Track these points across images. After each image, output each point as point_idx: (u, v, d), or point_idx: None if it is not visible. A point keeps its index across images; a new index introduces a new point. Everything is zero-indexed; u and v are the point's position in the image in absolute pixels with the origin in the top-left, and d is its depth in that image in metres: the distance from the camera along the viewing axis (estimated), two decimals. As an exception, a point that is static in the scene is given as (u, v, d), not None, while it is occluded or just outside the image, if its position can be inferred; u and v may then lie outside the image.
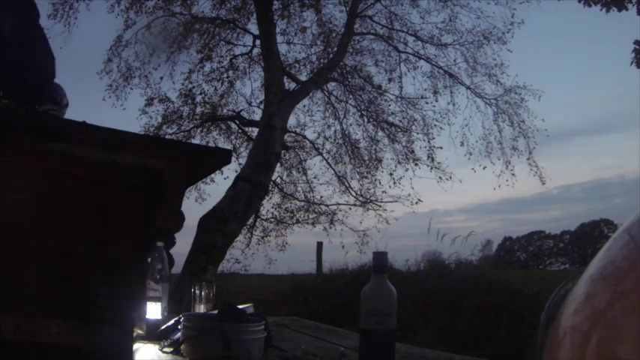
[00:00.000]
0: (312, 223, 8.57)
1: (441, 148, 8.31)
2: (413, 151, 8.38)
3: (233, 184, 5.74)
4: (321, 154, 8.48)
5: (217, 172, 6.69)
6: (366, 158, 8.58)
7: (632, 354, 0.22)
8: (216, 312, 1.39)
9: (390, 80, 8.41)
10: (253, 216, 7.55)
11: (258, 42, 7.53)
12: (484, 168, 8.20)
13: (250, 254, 8.41)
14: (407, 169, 8.29)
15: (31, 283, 1.32)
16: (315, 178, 8.54)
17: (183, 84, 7.90)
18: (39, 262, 1.34)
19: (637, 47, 5.06)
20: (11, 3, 1.76)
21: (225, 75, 8.09)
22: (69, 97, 2.87)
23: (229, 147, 8.13)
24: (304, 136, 8.56)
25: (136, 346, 1.50)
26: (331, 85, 8.38)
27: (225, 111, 8.24)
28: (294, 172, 8.60)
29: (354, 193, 8.45)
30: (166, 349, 1.43)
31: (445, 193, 8.14)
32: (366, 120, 8.55)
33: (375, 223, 8.34)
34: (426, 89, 8.43)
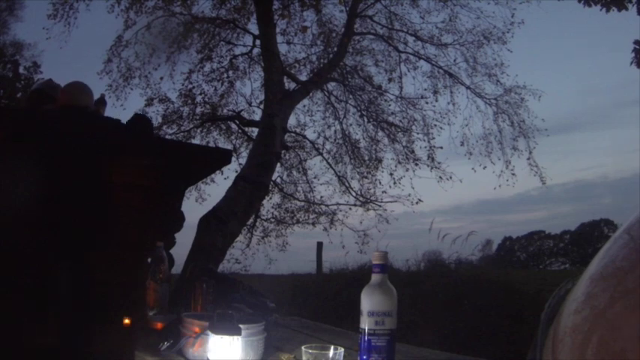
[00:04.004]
0: (313, 223, 8.57)
1: (441, 148, 8.33)
2: (413, 151, 8.39)
3: (233, 184, 5.74)
4: (321, 154, 8.48)
5: (217, 172, 6.70)
6: (366, 158, 8.60)
7: (632, 354, 0.22)
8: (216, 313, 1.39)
9: (390, 80, 8.42)
10: (253, 216, 7.55)
11: (258, 42, 7.54)
12: (484, 168, 8.21)
13: (250, 254, 8.43)
14: (407, 169, 8.31)
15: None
16: (315, 178, 8.56)
17: (183, 84, 7.92)
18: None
19: (637, 47, 5.06)
20: None
21: (225, 75, 8.11)
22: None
23: (229, 147, 8.13)
24: (304, 136, 8.57)
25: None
26: (331, 85, 8.39)
27: (225, 111, 8.25)
28: (294, 172, 8.61)
29: (354, 193, 8.46)
30: (166, 350, 1.43)
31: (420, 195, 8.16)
32: (366, 120, 8.56)
33: (375, 223, 8.35)
34: (426, 89, 8.45)
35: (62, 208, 1.87)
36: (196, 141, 7.89)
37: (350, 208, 8.51)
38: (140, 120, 2.39)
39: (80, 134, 1.95)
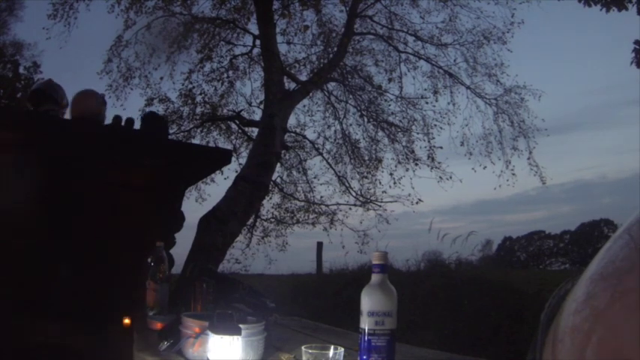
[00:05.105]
0: (312, 223, 8.57)
1: (441, 147, 8.33)
2: (413, 151, 8.39)
3: (233, 184, 5.74)
4: (321, 154, 8.49)
5: (217, 172, 6.70)
6: (366, 158, 8.60)
7: (632, 354, 0.22)
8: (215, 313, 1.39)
9: (390, 80, 8.43)
10: (253, 216, 7.55)
11: (258, 42, 7.54)
12: (484, 168, 8.21)
13: (250, 254, 8.43)
14: (407, 169, 8.31)
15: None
16: (315, 178, 8.56)
17: (183, 84, 7.92)
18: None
19: (637, 47, 5.06)
20: None
21: (225, 75, 8.11)
22: (69, 97, 2.87)
23: (229, 147, 8.13)
24: (304, 136, 8.58)
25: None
26: (331, 85, 8.40)
27: (225, 111, 8.25)
28: (294, 172, 8.62)
29: (354, 193, 8.46)
30: (166, 350, 1.43)
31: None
32: (366, 120, 8.56)
33: (375, 223, 8.35)
34: (426, 89, 8.45)
35: (64, 210, 1.87)
36: (196, 141, 7.89)
37: (350, 208, 8.53)
38: (153, 123, 2.42)
39: (90, 146, 1.96)
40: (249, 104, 8.26)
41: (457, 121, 8.48)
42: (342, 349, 1.19)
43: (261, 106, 7.40)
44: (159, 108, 7.99)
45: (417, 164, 8.27)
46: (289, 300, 6.76)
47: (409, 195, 8.14)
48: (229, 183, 5.87)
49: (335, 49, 7.95)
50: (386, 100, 8.55)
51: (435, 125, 8.36)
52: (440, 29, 8.30)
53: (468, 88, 8.36)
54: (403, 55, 8.41)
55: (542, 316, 0.34)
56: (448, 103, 8.44)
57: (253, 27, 7.64)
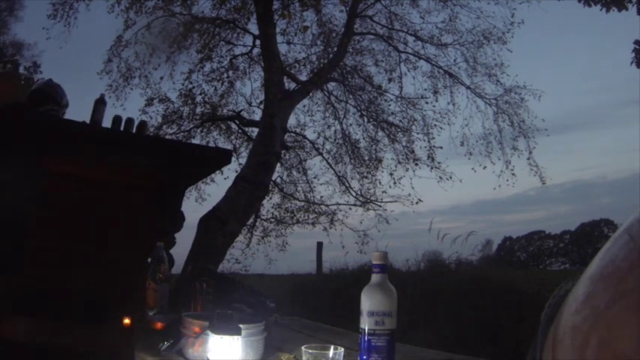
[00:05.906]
0: (312, 223, 8.57)
1: (441, 147, 8.33)
2: (413, 151, 8.39)
3: (233, 184, 5.74)
4: (321, 154, 8.48)
5: (217, 172, 6.70)
6: (366, 158, 8.59)
7: (632, 354, 0.22)
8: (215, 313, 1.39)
9: (390, 80, 8.42)
10: (253, 216, 7.55)
11: (258, 42, 7.54)
12: (484, 168, 8.21)
13: (250, 254, 8.42)
14: (407, 169, 8.31)
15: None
16: (315, 178, 8.56)
17: (183, 84, 7.92)
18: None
19: (637, 47, 5.06)
20: None
21: (225, 75, 8.11)
22: (69, 97, 2.87)
23: (229, 147, 8.13)
24: (304, 136, 8.57)
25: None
26: (331, 85, 8.39)
27: (225, 111, 8.24)
28: (294, 172, 8.61)
29: (354, 193, 8.46)
30: (166, 350, 1.43)
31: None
32: (366, 120, 8.56)
33: (375, 223, 8.35)
34: (426, 89, 8.45)
35: (63, 210, 1.87)
36: (196, 141, 7.89)
37: (350, 208, 8.52)
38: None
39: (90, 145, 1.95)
40: (249, 104, 8.27)
41: (457, 121, 8.49)
42: (342, 349, 1.19)
43: (261, 106, 7.40)
44: (159, 108, 8.00)
45: (417, 164, 8.28)
46: (289, 300, 6.76)
47: (409, 195, 8.14)
48: (229, 183, 5.87)
49: (335, 49, 7.95)
50: (386, 100, 8.56)
51: (435, 125, 8.37)
52: (440, 29, 8.31)
53: (468, 88, 8.37)
54: (403, 55, 8.42)
55: (542, 316, 0.34)
56: (448, 103, 8.45)
57: (253, 27, 7.65)
